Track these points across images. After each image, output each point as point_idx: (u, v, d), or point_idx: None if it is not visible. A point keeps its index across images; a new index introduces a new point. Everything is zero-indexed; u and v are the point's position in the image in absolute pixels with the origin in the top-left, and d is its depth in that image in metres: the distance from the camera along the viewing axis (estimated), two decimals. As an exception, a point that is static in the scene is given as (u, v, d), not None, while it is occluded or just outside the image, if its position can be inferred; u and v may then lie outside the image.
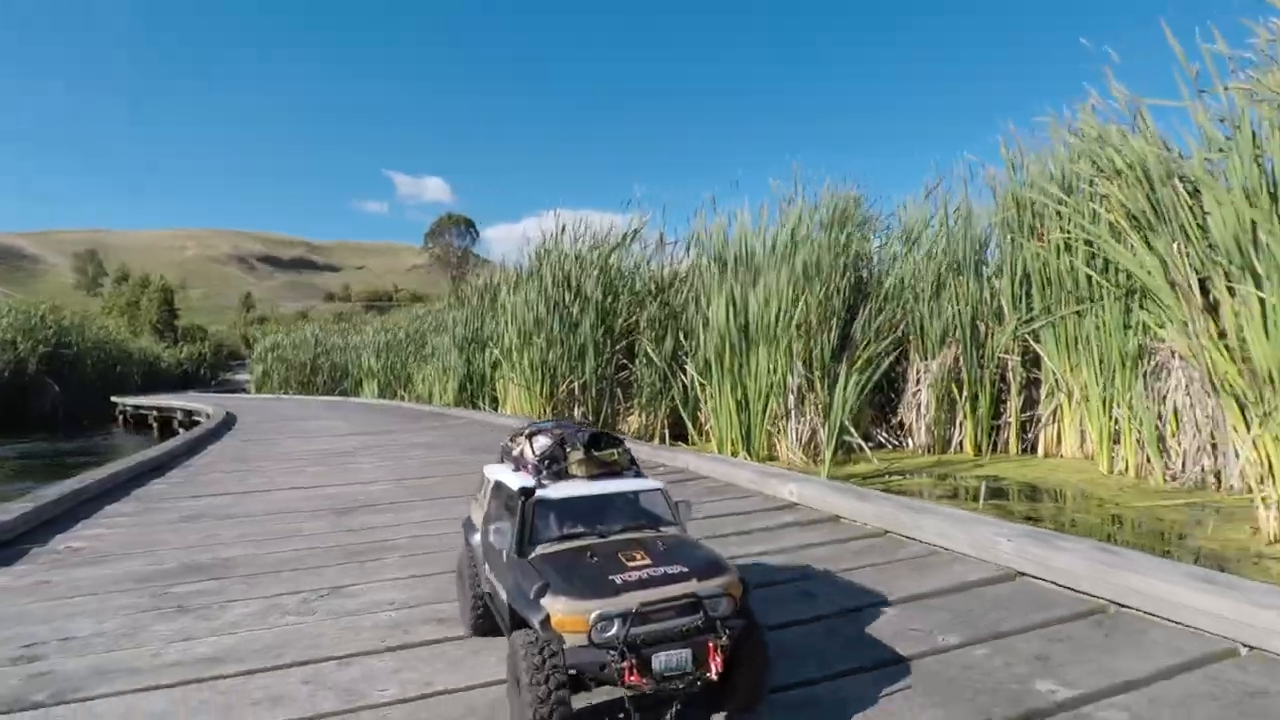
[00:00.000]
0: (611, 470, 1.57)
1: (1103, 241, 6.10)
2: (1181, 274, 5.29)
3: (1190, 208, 5.29)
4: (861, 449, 6.74)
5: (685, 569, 1.31)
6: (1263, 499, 4.43)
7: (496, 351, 11.05)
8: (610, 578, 1.27)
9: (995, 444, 7.41)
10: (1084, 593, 1.97)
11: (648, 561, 1.32)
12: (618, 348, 9.64)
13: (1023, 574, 2.15)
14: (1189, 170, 5.32)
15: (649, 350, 9.01)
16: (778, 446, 7.31)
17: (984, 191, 8.04)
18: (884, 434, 7.93)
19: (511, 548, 1.41)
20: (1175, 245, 5.35)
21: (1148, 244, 5.69)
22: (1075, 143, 6.65)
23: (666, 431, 9.13)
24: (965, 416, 7.34)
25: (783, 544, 2.63)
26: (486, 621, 1.75)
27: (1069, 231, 6.55)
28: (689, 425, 8.28)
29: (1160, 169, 5.53)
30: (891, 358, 7.44)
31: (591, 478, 1.53)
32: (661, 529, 1.52)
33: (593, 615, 1.21)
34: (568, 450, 1.55)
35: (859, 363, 6.98)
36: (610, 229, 10.68)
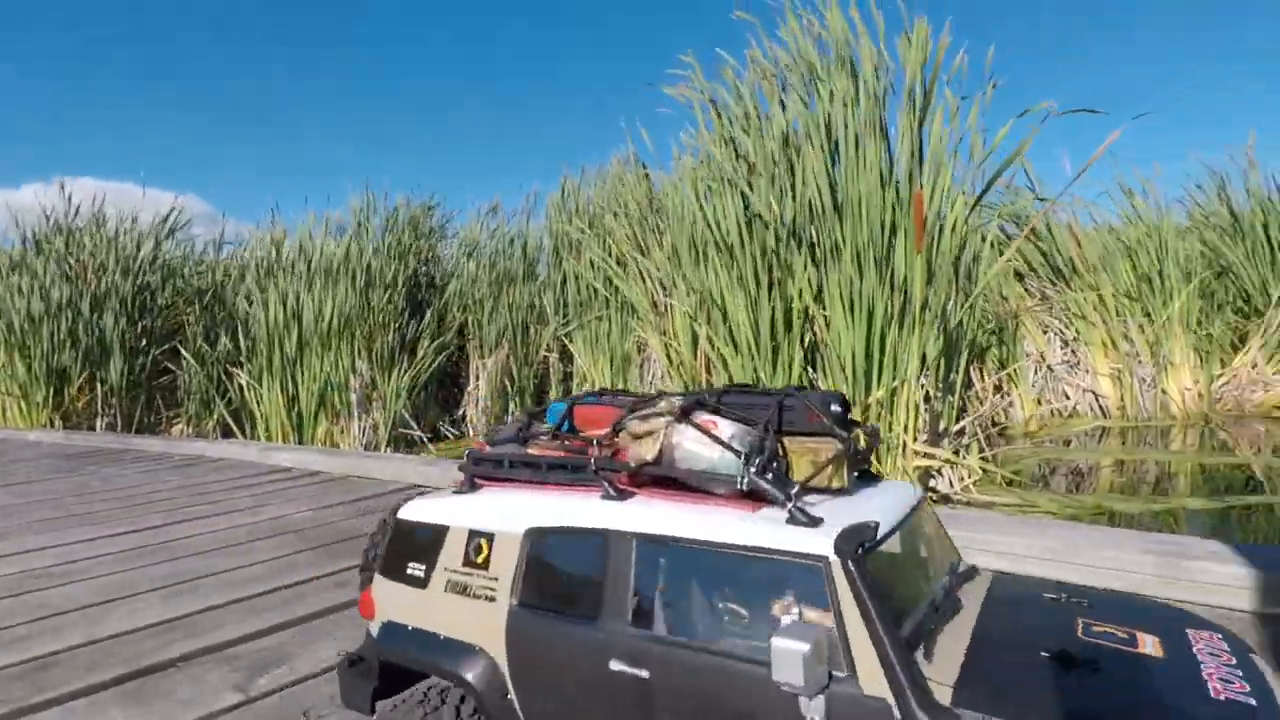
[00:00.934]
0: (865, 469, 1.04)
1: (604, 264, 8.33)
2: (652, 291, 7.63)
3: (659, 241, 7.67)
4: (422, 441, 8.00)
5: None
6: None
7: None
8: None
9: (540, 430, 9.34)
10: (436, 485, 3.42)
11: (1207, 666, 0.80)
12: (160, 349, 9.44)
13: (416, 485, 3.71)
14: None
15: (185, 355, 9.05)
16: (341, 444, 8.18)
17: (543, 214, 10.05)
18: (450, 427, 9.35)
19: (887, 687, 0.84)
20: (653, 269, 7.67)
21: (639, 268, 8.01)
22: (602, 185, 8.90)
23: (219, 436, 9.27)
24: (516, 406, 9.14)
25: (282, 487, 3.98)
26: None
27: (593, 254, 8.73)
28: (239, 433, 8.61)
29: (646, 210, 7.87)
30: (447, 353, 8.88)
31: (845, 489, 1.00)
32: (961, 566, 1.05)
33: None
34: (779, 435, 1.00)
35: (420, 360, 8.26)
36: (135, 216, 10.27)
